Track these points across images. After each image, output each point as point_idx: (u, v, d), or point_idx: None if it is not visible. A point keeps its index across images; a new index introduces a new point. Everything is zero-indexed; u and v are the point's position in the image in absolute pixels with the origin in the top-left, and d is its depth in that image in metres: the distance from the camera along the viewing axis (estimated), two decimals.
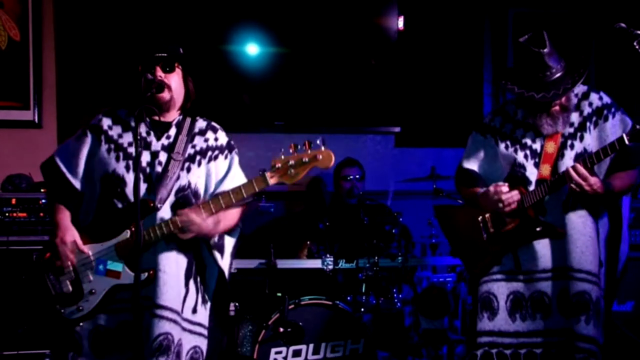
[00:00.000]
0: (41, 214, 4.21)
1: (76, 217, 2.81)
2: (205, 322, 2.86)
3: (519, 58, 2.99)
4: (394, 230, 4.16)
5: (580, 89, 3.02)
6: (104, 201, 2.77)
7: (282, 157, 2.64)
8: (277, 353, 3.71)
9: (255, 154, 5.03)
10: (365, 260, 4.05)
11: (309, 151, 2.62)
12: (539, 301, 2.95)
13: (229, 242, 2.94)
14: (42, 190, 4.34)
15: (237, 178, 2.87)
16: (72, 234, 2.73)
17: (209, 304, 2.89)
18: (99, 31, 4.90)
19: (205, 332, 2.85)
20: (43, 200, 4.24)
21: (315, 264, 4.17)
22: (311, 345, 3.75)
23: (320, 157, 2.61)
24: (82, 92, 4.93)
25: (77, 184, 2.81)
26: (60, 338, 2.74)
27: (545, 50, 2.88)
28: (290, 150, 2.64)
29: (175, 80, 2.81)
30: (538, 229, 2.93)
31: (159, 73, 2.77)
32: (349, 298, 3.98)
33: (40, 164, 2.91)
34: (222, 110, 4.94)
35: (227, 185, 2.82)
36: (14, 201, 4.23)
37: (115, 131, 2.82)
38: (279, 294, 3.96)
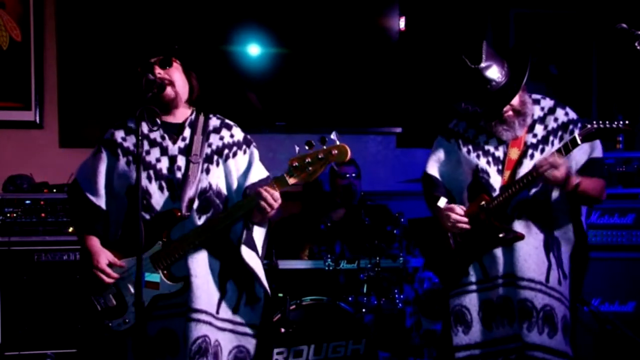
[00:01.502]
0: (42, 215, 4.22)
1: (106, 236, 2.81)
2: (253, 321, 2.84)
3: (460, 76, 2.94)
4: (395, 231, 4.15)
5: (547, 103, 3.03)
6: (131, 214, 2.75)
7: (299, 155, 2.62)
8: (278, 354, 3.70)
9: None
10: (366, 261, 4.05)
11: (325, 147, 2.60)
12: (505, 307, 2.94)
13: (260, 233, 2.89)
14: (44, 190, 4.35)
15: (260, 172, 2.86)
16: (105, 257, 2.73)
17: (260, 302, 2.85)
18: (100, 31, 4.90)
19: (252, 331, 2.83)
20: (43, 202, 4.25)
21: (317, 264, 4.18)
22: (312, 346, 3.75)
23: (336, 151, 2.59)
24: (83, 93, 4.93)
25: (99, 203, 2.80)
26: (109, 349, 2.79)
27: (482, 65, 2.86)
28: (306, 148, 2.62)
29: (176, 76, 2.79)
30: (501, 235, 2.92)
31: (158, 71, 2.75)
32: (350, 299, 3.98)
33: (66, 187, 2.95)
34: (224, 110, 4.93)
35: (252, 179, 2.82)
36: (15, 202, 4.24)
37: (130, 142, 2.80)
38: (281, 295, 3.96)
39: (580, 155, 2.93)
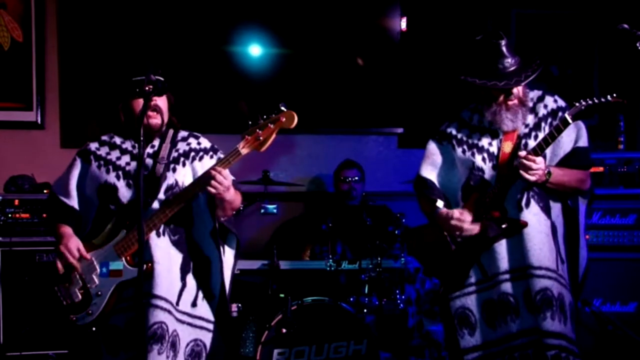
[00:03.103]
0: (44, 215, 4.22)
1: (77, 233, 2.92)
2: (209, 316, 2.94)
3: (475, 53, 3.01)
4: (396, 232, 4.16)
5: (535, 93, 3.06)
6: (101, 208, 2.92)
7: (250, 128, 2.78)
8: (279, 354, 3.71)
9: (257, 153, 5.01)
10: (368, 261, 4.05)
11: (273, 116, 2.78)
12: (506, 303, 2.94)
13: (229, 253, 3.05)
14: (44, 191, 4.35)
15: None
16: (75, 242, 2.85)
17: (215, 299, 2.94)
18: (102, 31, 4.90)
19: (209, 326, 2.93)
20: (45, 202, 4.25)
21: (318, 265, 4.18)
22: (314, 346, 3.75)
23: (283, 118, 2.79)
24: (84, 93, 4.93)
25: (71, 203, 2.96)
26: (79, 344, 2.92)
27: (503, 41, 2.92)
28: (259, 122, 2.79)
29: (163, 103, 2.94)
30: (504, 225, 2.92)
31: (154, 98, 2.86)
32: (351, 299, 3.98)
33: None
34: (225, 111, 4.94)
35: None
36: (16, 202, 4.25)
37: (102, 151, 2.98)
38: (282, 295, 3.96)
39: (567, 143, 2.95)
